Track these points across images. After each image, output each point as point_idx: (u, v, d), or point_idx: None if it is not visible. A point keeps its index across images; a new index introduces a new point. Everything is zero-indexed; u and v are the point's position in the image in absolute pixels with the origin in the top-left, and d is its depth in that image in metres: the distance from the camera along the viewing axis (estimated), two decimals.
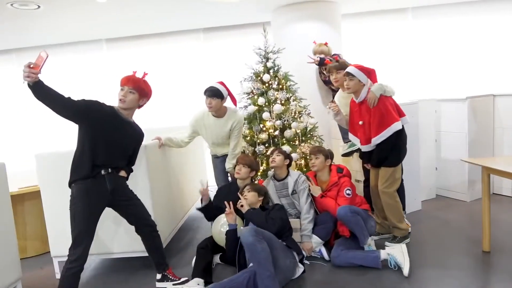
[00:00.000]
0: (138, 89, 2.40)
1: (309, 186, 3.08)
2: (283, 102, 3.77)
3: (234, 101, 3.36)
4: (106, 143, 2.32)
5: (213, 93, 3.13)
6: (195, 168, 4.49)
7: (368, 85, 3.01)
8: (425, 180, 4.19)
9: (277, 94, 3.78)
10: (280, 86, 3.82)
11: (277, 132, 3.72)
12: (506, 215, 3.60)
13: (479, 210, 3.82)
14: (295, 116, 3.72)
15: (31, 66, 1.96)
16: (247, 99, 3.86)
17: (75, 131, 2.33)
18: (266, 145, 3.73)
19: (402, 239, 3.09)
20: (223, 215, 3.01)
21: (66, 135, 5.56)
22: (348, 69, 2.99)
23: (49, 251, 3.62)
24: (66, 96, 2.15)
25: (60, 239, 2.96)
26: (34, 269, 3.27)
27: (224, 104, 3.32)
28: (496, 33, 5.06)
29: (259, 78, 3.85)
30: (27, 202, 3.54)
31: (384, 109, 2.89)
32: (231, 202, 2.87)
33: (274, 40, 4.76)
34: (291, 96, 3.83)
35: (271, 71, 3.84)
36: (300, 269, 2.62)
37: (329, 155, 3.10)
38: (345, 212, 2.78)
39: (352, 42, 5.18)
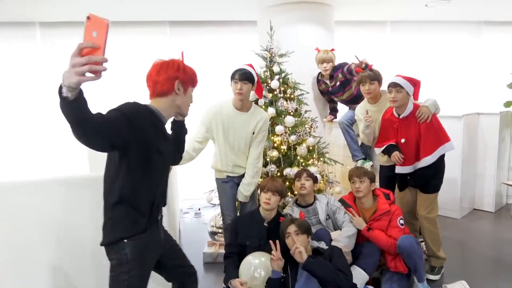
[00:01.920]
0: None
1: (350, 218, 2.67)
2: (291, 113, 3.30)
3: (260, 91, 2.74)
4: (158, 169, 1.57)
5: (246, 76, 2.50)
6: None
7: (411, 98, 2.74)
8: None
9: (286, 104, 3.29)
10: (288, 95, 3.35)
11: (284, 148, 3.24)
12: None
13: (474, 226, 3.89)
14: (310, 131, 3.27)
15: (84, 48, 1.11)
16: None
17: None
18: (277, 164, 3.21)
19: (441, 270, 2.85)
20: (253, 257, 2.41)
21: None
22: (397, 80, 2.67)
23: None
24: (95, 112, 1.29)
25: None
26: None
27: None
28: (471, 53, 5.31)
29: (265, 84, 3.31)
30: None
31: (437, 126, 2.65)
32: (277, 243, 2.27)
33: (260, 41, 4.26)
34: (301, 107, 3.38)
35: (276, 76, 3.34)
36: None
37: (374, 177, 2.72)
38: (411, 243, 2.42)
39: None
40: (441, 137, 2.66)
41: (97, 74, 1.14)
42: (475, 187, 4.40)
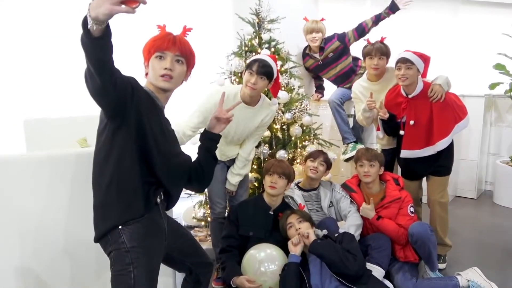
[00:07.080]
0: (189, 56, 1.58)
1: (357, 206, 2.65)
2: (283, 88, 3.18)
3: (276, 90, 2.52)
4: (158, 151, 1.51)
5: (265, 71, 2.25)
6: None
7: (421, 76, 2.74)
8: None
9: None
10: (279, 68, 3.20)
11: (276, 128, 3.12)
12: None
13: (462, 213, 4.08)
14: (306, 109, 3.17)
15: None
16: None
17: None
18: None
19: (445, 258, 2.92)
20: (256, 250, 2.29)
21: None
22: (407, 55, 2.62)
23: None
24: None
25: None
26: None
27: None
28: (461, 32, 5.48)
29: (254, 54, 3.14)
30: None
31: (454, 103, 2.67)
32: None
33: (234, 5, 4.04)
34: (291, 82, 3.26)
35: (265, 45, 3.19)
36: None
37: (383, 161, 2.69)
38: (425, 230, 2.42)
39: None
40: (455, 116, 2.68)
41: (134, 4, 1.03)
42: (458, 173, 4.62)
